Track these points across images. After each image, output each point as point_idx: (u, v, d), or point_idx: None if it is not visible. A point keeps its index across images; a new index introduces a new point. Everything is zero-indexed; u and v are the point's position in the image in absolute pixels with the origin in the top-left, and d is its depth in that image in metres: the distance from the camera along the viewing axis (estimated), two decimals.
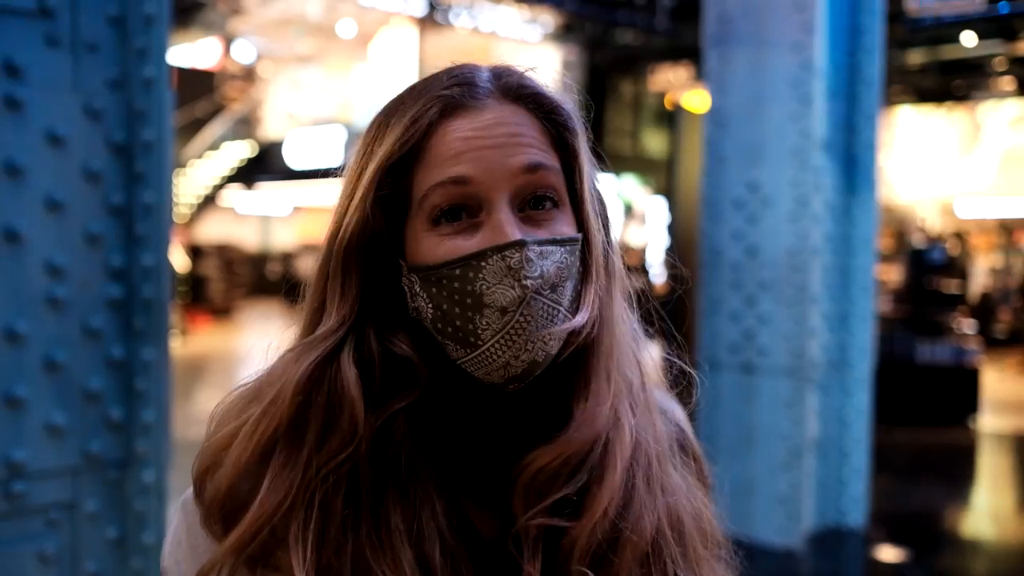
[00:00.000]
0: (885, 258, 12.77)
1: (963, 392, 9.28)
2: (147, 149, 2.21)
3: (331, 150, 18.99)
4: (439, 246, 0.80)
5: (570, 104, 0.86)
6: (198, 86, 20.38)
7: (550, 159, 0.82)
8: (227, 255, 19.27)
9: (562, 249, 0.80)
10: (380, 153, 0.81)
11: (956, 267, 12.15)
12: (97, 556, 2.16)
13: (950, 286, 10.48)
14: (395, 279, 0.84)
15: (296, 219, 26.34)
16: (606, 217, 0.88)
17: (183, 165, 19.51)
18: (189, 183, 19.52)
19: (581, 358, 0.84)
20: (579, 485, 0.81)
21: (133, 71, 2.20)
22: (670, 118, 6.54)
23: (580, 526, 0.80)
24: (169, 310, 2.30)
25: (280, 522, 0.78)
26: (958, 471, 8.00)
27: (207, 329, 15.97)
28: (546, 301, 0.79)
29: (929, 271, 10.14)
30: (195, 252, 18.33)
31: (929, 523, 6.21)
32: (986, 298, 15.40)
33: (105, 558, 2.17)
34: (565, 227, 0.82)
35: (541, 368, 0.80)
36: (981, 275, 16.58)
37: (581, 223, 0.84)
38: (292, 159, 19.92)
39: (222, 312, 18.05)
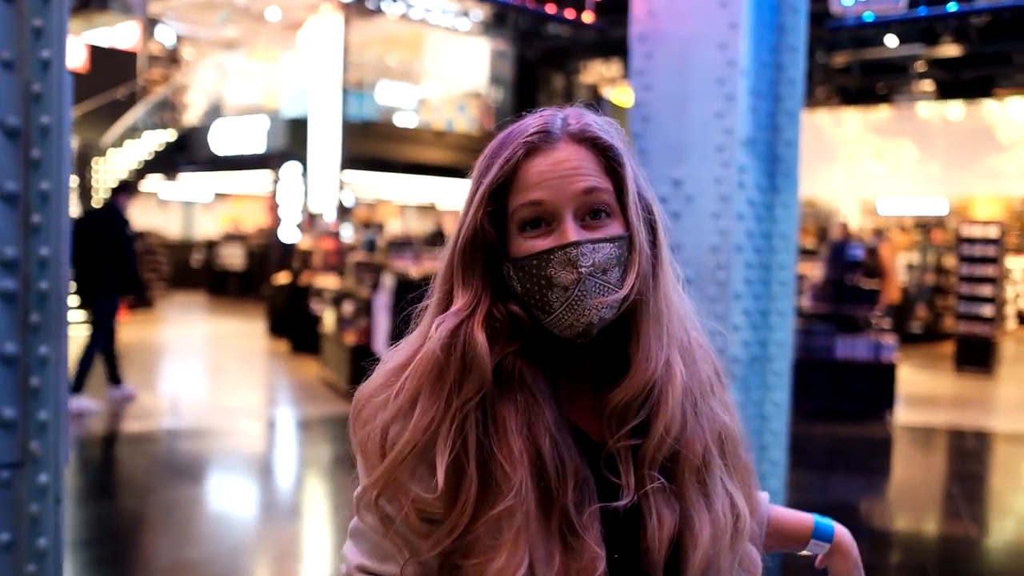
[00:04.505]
0: (807, 254, 12.99)
1: (880, 387, 9.49)
2: (44, 134, 2.10)
3: (256, 138, 18.61)
4: (524, 244, 1.14)
5: (619, 141, 1.19)
6: (118, 68, 19.81)
7: (603, 183, 1.15)
8: (148, 243, 18.78)
9: (610, 244, 1.13)
10: (485, 182, 1.15)
11: (875, 265, 12.39)
12: None
13: (869, 283, 10.69)
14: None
15: (220, 207, 25.82)
16: (652, 220, 1.22)
17: (102, 150, 18.97)
18: (109, 168, 18.97)
19: (634, 320, 1.16)
20: (644, 416, 1.15)
21: (29, 51, 2.08)
22: (595, 111, 6.48)
23: (645, 446, 1.15)
24: (67, 303, 2.19)
25: (426, 443, 1.08)
26: (874, 464, 8.19)
27: (126, 320, 15.56)
28: (598, 281, 1.12)
29: (850, 268, 10.32)
30: None
31: (846, 516, 6.30)
32: (903, 294, 15.77)
33: None
34: (616, 229, 1.14)
35: (598, 328, 1.13)
36: (899, 272, 16.99)
37: (628, 225, 1.16)
38: (216, 146, 19.45)
39: (143, 302, 17.57)
